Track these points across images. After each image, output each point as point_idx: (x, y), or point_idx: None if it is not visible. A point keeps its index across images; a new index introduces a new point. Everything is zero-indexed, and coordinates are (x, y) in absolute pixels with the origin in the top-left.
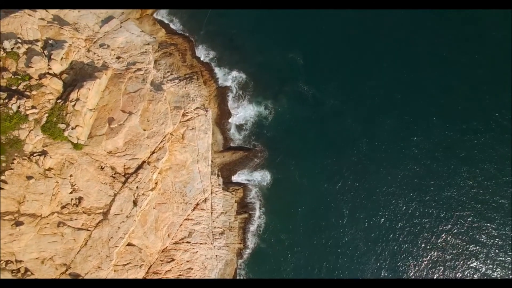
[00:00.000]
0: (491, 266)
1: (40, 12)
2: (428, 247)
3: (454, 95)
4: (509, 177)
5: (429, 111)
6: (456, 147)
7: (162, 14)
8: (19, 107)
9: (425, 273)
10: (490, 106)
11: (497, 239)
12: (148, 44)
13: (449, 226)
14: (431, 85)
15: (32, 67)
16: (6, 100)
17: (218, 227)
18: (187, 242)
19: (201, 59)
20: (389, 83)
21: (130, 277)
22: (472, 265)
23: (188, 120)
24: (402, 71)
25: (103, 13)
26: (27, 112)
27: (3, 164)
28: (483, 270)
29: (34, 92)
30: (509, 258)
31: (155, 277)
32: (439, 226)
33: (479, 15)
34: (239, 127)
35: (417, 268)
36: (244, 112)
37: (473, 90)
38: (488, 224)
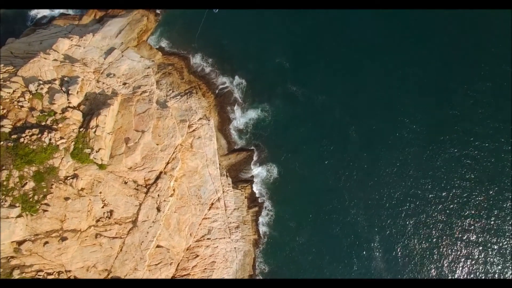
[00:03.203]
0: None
1: (53, 54)
2: (425, 227)
3: (433, 81)
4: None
5: (408, 95)
6: (442, 129)
7: (155, 39)
8: (50, 139)
9: (423, 252)
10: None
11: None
12: (149, 67)
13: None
14: (406, 75)
15: (55, 103)
16: (39, 135)
17: (233, 222)
18: (208, 238)
19: (197, 73)
20: (368, 75)
21: (163, 274)
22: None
23: (194, 130)
24: (378, 64)
25: (105, 46)
26: (57, 143)
27: (44, 190)
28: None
29: (60, 125)
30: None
31: (184, 273)
32: (431, 204)
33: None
34: (240, 131)
35: (417, 247)
36: (242, 117)
37: (453, 72)
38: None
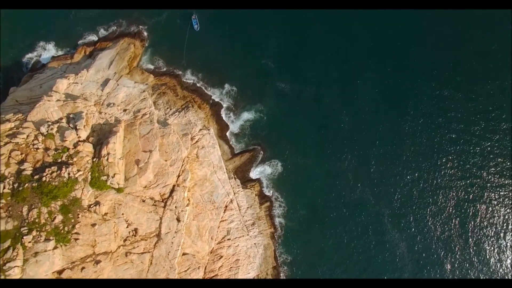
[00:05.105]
0: None
1: (55, 95)
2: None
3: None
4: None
5: (393, 77)
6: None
7: (145, 63)
8: (69, 174)
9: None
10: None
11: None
12: (144, 91)
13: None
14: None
15: (66, 140)
16: (58, 172)
17: (249, 220)
18: (228, 239)
19: (190, 88)
20: (352, 63)
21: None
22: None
23: (197, 141)
24: (361, 53)
25: (100, 78)
26: (76, 176)
27: (72, 220)
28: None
29: (75, 159)
30: None
31: (212, 274)
32: (431, 171)
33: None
34: (239, 134)
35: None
36: (239, 121)
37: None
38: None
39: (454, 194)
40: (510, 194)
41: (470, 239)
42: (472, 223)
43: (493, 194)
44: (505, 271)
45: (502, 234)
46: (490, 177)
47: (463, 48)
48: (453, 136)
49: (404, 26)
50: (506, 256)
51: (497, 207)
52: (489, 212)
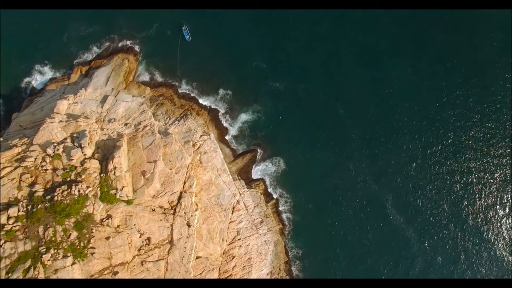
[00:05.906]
0: None
1: (57, 117)
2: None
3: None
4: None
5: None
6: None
7: (140, 77)
8: (79, 191)
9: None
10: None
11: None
12: (142, 104)
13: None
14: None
15: (73, 159)
16: (69, 190)
17: (257, 218)
18: (238, 239)
19: (186, 96)
20: (339, 58)
21: None
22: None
23: (199, 147)
24: (348, 50)
25: (98, 96)
26: (86, 192)
27: (87, 235)
28: None
29: (83, 176)
30: None
31: (226, 274)
32: (428, 155)
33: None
34: (239, 136)
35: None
36: (237, 123)
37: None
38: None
39: (458, 175)
40: None
41: (479, 219)
42: (478, 202)
43: (497, 174)
44: None
45: (508, 211)
46: (493, 157)
47: (457, 37)
48: (451, 120)
49: (399, 23)
50: None
51: (502, 185)
52: (494, 191)
